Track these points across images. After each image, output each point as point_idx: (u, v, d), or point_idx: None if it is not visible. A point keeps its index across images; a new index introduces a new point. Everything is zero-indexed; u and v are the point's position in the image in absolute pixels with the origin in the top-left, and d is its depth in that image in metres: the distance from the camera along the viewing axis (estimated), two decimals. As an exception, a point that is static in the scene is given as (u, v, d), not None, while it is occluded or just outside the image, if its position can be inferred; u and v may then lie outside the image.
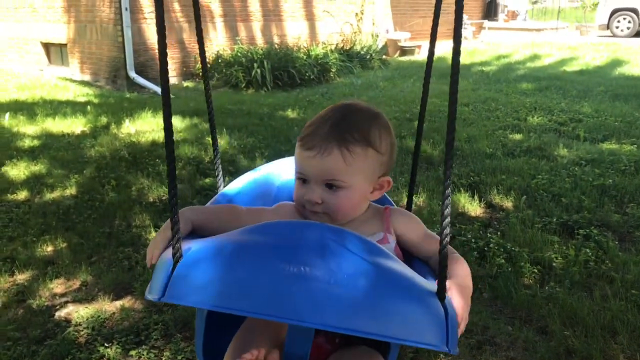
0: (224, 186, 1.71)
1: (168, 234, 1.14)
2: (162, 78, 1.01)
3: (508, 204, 3.86)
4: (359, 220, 1.33)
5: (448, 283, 1.13)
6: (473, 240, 3.21)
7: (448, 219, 1.03)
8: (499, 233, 3.35)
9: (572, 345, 2.31)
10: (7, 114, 5.80)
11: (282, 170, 1.76)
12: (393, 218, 1.37)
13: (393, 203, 1.60)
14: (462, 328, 1.11)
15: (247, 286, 0.93)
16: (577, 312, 2.52)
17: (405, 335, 0.94)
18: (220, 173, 1.73)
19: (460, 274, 1.24)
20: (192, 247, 1.06)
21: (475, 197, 3.89)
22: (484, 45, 13.92)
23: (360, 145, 1.24)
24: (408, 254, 1.39)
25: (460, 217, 3.65)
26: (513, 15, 17.76)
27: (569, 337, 2.36)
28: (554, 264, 2.99)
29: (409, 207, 1.64)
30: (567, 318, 2.50)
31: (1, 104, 6.56)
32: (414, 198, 3.81)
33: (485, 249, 3.11)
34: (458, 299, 1.11)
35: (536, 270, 2.92)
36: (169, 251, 1.06)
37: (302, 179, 1.29)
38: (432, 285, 1.03)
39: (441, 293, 1.00)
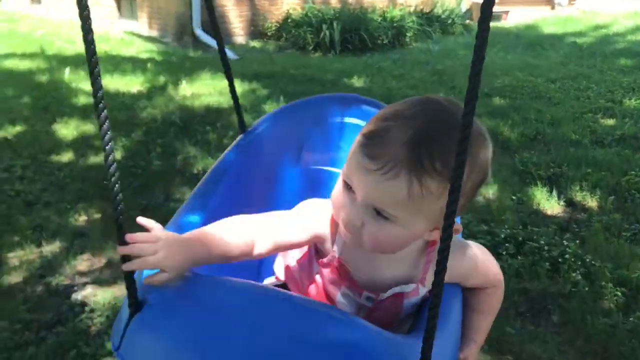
0: None
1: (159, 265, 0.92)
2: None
3: (592, 203, 3.34)
4: (395, 262, 1.07)
5: (463, 354, 1.15)
6: (546, 247, 2.76)
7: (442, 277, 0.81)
8: (577, 241, 2.87)
9: (659, 401, 1.88)
10: (68, 69, 5.71)
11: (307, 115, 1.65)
12: (434, 261, 1.00)
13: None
14: None
15: None
16: (668, 356, 2.07)
17: None
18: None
19: (485, 329, 1.21)
20: (150, 297, 0.91)
21: (554, 192, 3.40)
22: (579, 13, 12.80)
23: (438, 180, 0.90)
24: None
25: (533, 215, 3.19)
26: (615, -19, 16.29)
27: (655, 389, 1.92)
28: (643, 287, 2.51)
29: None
30: (656, 362, 2.05)
31: (66, 57, 6.51)
32: (482, 190, 3.41)
33: (560, 260, 2.67)
34: None
35: (619, 293, 2.45)
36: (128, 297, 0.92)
37: (349, 185, 0.98)
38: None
39: None
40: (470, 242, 1.16)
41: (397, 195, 0.91)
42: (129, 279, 0.89)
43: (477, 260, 1.14)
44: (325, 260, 1.10)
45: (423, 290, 1.08)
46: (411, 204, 0.92)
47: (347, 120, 1.64)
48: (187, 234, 1.02)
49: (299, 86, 5.59)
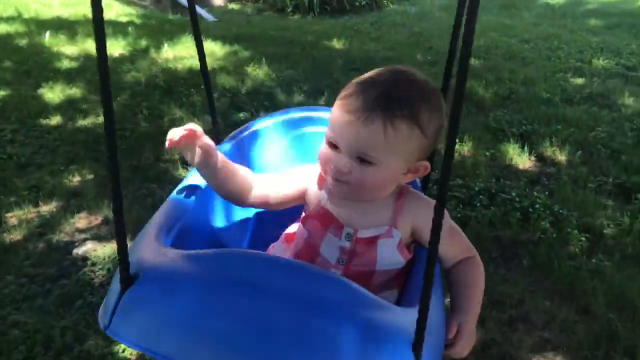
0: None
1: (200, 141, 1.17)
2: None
3: (561, 158, 3.55)
4: (370, 205, 1.21)
5: (456, 321, 1.12)
6: (517, 199, 2.95)
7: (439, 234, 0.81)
8: (546, 193, 3.07)
9: (615, 331, 2.10)
10: (48, 32, 5.69)
11: (293, 124, 1.63)
12: (406, 206, 1.22)
13: (418, 183, 1.44)
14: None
15: (195, 341, 0.82)
16: (625, 292, 2.28)
17: None
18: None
19: (474, 300, 1.18)
20: (143, 272, 0.91)
21: (526, 148, 3.59)
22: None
23: (406, 123, 1.09)
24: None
25: (506, 170, 3.38)
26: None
27: (613, 321, 2.14)
28: (605, 232, 2.73)
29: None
30: (614, 298, 2.27)
31: (44, 21, 6.44)
32: (457, 148, 3.59)
33: (530, 209, 2.87)
34: (465, 345, 1.10)
35: (584, 239, 2.66)
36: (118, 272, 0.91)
37: (333, 144, 1.15)
38: (408, 327, 0.83)
39: (417, 348, 0.82)
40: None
41: (375, 139, 1.09)
42: (122, 253, 0.89)
43: (450, 223, 1.26)
44: (312, 212, 1.26)
45: (396, 234, 1.20)
46: (388, 144, 1.09)
47: (312, 130, 1.66)
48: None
49: (279, 48, 5.66)
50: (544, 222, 2.76)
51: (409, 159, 1.15)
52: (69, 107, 4.12)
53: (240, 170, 1.29)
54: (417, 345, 0.81)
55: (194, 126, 1.16)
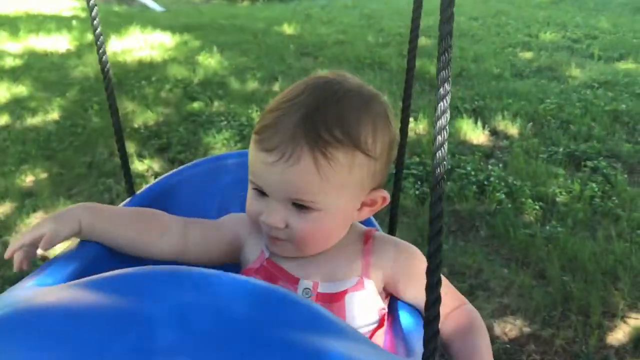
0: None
1: (42, 231, 0.89)
2: None
3: (513, 130, 3.64)
4: (331, 253, 0.95)
5: None
6: (473, 172, 3.02)
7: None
8: (500, 165, 3.16)
9: (570, 292, 2.18)
10: (-12, 31, 5.51)
11: (234, 164, 1.38)
12: (376, 250, 0.96)
13: (376, 224, 1.18)
14: None
15: None
16: (577, 255, 2.37)
17: None
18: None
19: (482, 348, 0.89)
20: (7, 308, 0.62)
21: (479, 123, 3.67)
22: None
23: (343, 148, 0.84)
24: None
25: (461, 145, 3.45)
26: None
27: (567, 283, 2.22)
28: (557, 200, 2.82)
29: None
30: (567, 261, 2.35)
31: (-17, 18, 6.24)
32: (413, 126, 3.64)
33: (485, 182, 2.94)
34: None
35: (538, 207, 2.75)
36: None
37: (259, 190, 0.90)
38: None
39: None
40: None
41: (307, 178, 0.84)
42: None
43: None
44: (253, 266, 0.97)
45: (369, 285, 0.94)
46: (325, 181, 0.85)
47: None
48: (88, 205, 0.98)
49: (230, 36, 5.61)
50: (499, 193, 2.84)
51: (359, 192, 0.91)
52: (16, 106, 4.01)
53: (145, 212, 1.02)
54: None
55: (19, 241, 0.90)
